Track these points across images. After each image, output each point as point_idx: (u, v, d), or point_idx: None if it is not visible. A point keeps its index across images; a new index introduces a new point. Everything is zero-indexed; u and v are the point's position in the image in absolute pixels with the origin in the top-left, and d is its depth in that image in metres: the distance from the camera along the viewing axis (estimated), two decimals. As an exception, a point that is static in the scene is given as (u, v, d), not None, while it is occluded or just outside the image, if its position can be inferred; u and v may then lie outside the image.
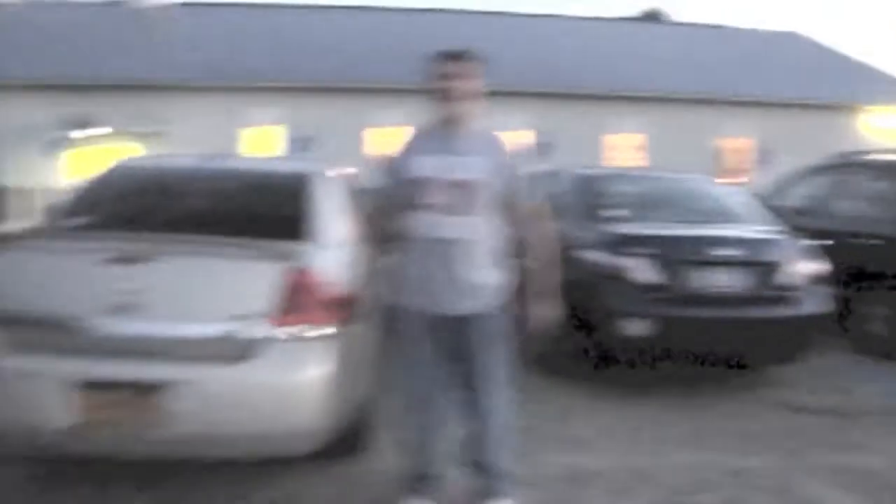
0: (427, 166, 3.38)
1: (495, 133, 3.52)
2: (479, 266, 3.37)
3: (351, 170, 5.85)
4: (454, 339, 3.46)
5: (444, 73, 3.36)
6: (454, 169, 3.34)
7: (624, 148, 20.75)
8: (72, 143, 18.92)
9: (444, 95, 3.37)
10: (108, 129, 19.25)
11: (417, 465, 3.63)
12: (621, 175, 8.26)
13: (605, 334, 5.46)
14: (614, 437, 4.74)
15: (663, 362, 5.68)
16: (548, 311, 3.49)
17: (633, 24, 31.28)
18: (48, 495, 3.72)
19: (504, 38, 22.14)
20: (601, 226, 5.89)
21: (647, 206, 6.80)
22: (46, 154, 15.82)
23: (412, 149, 3.49)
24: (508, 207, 3.45)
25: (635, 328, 5.37)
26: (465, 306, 3.40)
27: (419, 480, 3.63)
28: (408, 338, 3.53)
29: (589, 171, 7.19)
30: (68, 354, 3.35)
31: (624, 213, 6.30)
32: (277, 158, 14.02)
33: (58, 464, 3.96)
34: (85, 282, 3.41)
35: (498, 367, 3.47)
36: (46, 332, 3.38)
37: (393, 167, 3.54)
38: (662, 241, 5.63)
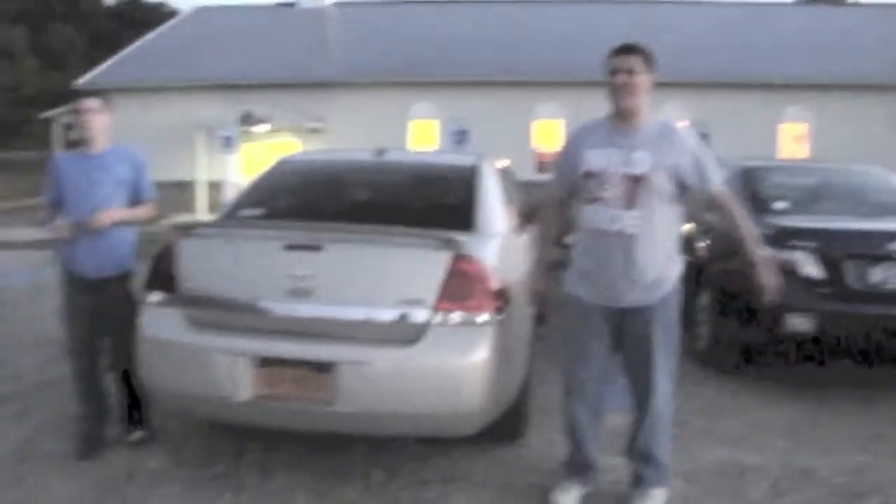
0: (600, 160, 3.42)
1: (675, 125, 3.51)
2: (649, 259, 3.38)
3: (506, 162, 5.95)
4: (621, 330, 3.51)
5: (615, 68, 3.39)
6: (627, 163, 3.36)
7: (786, 138, 19.88)
8: (245, 139, 20.00)
9: (615, 89, 3.40)
10: (275, 126, 20.26)
11: (572, 451, 3.71)
12: (788, 167, 7.97)
13: (768, 329, 5.31)
14: (771, 434, 4.61)
15: (827, 361, 5.45)
16: (773, 279, 3.50)
17: (802, 7, 29.84)
18: (216, 461, 4.04)
19: (664, 27, 21.67)
20: (767, 218, 5.70)
21: (816, 198, 6.57)
22: (224, 150, 16.81)
23: (585, 142, 3.52)
24: (696, 195, 3.45)
25: (800, 324, 5.19)
26: (633, 299, 3.43)
27: (573, 465, 3.71)
28: (573, 327, 3.61)
29: (753, 163, 6.98)
30: (249, 333, 3.63)
31: (791, 205, 6.10)
32: (438, 152, 14.32)
33: (232, 432, 4.30)
34: (264, 267, 3.68)
35: (663, 358, 3.48)
36: (229, 312, 3.68)
37: (564, 160, 3.60)
38: (831, 235, 5.40)
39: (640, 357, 3.51)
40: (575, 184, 3.51)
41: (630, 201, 3.36)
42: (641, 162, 3.35)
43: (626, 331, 3.50)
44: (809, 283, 5.23)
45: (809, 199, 6.48)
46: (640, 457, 3.60)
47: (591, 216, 3.45)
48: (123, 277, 4.22)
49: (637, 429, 3.61)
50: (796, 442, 4.49)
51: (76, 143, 4.29)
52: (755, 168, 6.73)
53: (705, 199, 3.47)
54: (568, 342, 3.65)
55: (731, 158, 7.17)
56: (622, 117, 3.44)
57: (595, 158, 3.43)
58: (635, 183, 3.35)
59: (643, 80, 3.38)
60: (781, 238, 5.34)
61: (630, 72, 3.37)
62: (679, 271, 3.52)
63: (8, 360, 5.92)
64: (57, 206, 4.18)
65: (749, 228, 3.51)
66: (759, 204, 6.04)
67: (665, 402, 3.55)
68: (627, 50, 3.42)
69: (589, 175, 3.44)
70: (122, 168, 4.19)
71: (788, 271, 5.24)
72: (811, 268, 5.24)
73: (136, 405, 4.29)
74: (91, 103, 4.17)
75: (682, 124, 3.57)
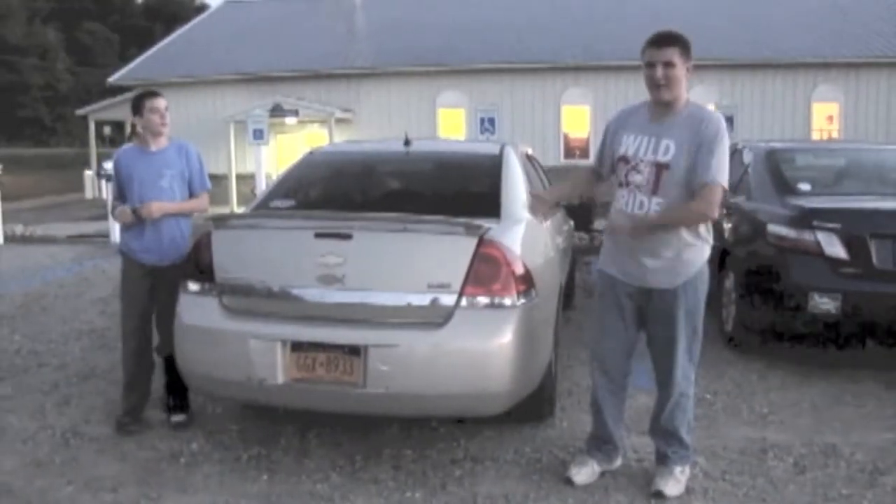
0: (632, 146, 3.51)
1: (705, 110, 3.50)
2: (671, 245, 3.45)
3: (528, 149, 6.04)
4: (644, 309, 3.61)
5: (651, 60, 3.41)
6: (655, 150, 3.43)
7: (819, 118, 19.67)
8: (276, 131, 20.22)
9: (652, 83, 3.42)
10: (304, 117, 20.47)
11: (593, 426, 3.83)
12: (813, 148, 7.97)
13: (793, 310, 5.35)
14: (795, 413, 4.67)
15: (853, 341, 5.47)
16: (623, 227, 3.52)
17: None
18: (253, 443, 4.19)
19: (688, 8, 21.53)
20: (791, 200, 5.74)
21: (842, 179, 6.58)
22: (255, 142, 17.05)
23: (624, 126, 3.60)
24: (693, 187, 3.41)
25: (825, 304, 5.22)
26: (655, 281, 3.52)
27: (592, 440, 3.84)
28: (601, 303, 3.73)
29: (777, 145, 7.00)
30: (282, 319, 3.77)
31: (816, 186, 6.12)
32: (464, 140, 14.39)
33: (267, 415, 4.46)
34: (295, 255, 3.81)
35: (684, 340, 3.54)
36: (263, 299, 3.82)
37: (605, 142, 3.71)
38: (855, 215, 5.41)
39: (662, 337, 3.59)
40: (613, 165, 3.63)
41: (654, 188, 3.43)
42: (666, 150, 3.42)
43: (649, 311, 3.60)
44: (834, 263, 5.25)
45: (835, 180, 6.51)
46: (663, 435, 3.69)
47: (620, 199, 3.56)
48: (179, 265, 4.40)
49: (660, 408, 3.70)
50: (820, 420, 4.55)
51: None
52: (780, 150, 6.75)
53: (696, 188, 3.38)
54: (595, 315, 3.78)
55: (754, 141, 7.20)
56: (659, 106, 3.49)
57: (629, 143, 3.53)
58: (660, 170, 3.42)
59: (680, 72, 3.39)
60: (805, 219, 5.38)
61: (667, 64, 3.38)
62: (705, 256, 3.56)
63: (54, 350, 6.14)
64: (122, 200, 4.44)
65: (673, 220, 3.42)
66: (783, 185, 6.07)
67: (686, 382, 3.62)
68: (664, 41, 3.41)
69: (622, 159, 3.55)
70: (181, 162, 4.44)
71: (813, 252, 5.30)
72: (836, 248, 5.25)
73: (178, 389, 4.45)
74: (163, 102, 4.40)
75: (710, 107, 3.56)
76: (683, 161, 3.39)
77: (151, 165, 4.39)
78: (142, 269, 4.42)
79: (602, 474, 3.77)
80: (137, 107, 4.42)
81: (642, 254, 3.50)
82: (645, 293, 3.57)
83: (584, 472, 3.73)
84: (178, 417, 4.47)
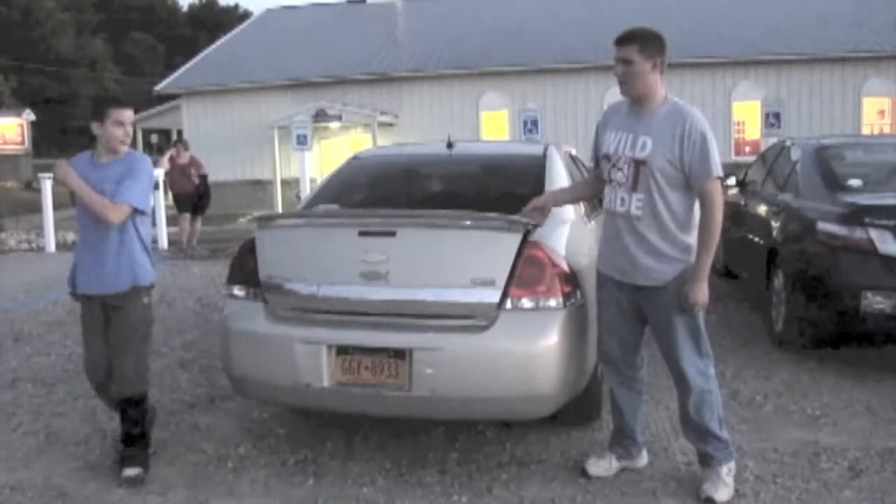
0: (613, 143, 3.53)
1: (686, 108, 3.45)
2: (656, 241, 3.44)
3: (572, 149, 5.99)
4: (641, 306, 3.60)
5: (614, 58, 3.46)
6: (634, 147, 3.45)
7: (870, 113, 19.27)
8: (320, 136, 20.39)
9: (617, 79, 3.48)
10: (347, 122, 20.62)
11: (613, 422, 3.86)
12: (863, 143, 7.79)
13: (845, 310, 5.23)
14: (849, 414, 4.56)
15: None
16: (696, 295, 3.40)
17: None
18: (299, 447, 4.21)
19: (732, 4, 21.25)
20: (841, 197, 5.61)
21: (894, 174, 6.42)
22: (299, 148, 17.20)
23: (607, 124, 3.64)
24: (690, 185, 3.41)
25: (879, 303, 5.09)
26: (646, 279, 3.50)
27: (612, 436, 3.87)
28: (599, 302, 3.74)
29: (825, 141, 6.86)
30: (328, 322, 3.79)
31: (867, 182, 5.97)
32: (508, 141, 14.35)
33: (313, 419, 4.47)
34: (339, 255, 3.82)
35: (686, 335, 3.50)
36: (308, 301, 3.84)
37: (595, 140, 3.74)
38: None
39: (664, 335, 3.57)
40: (600, 164, 3.67)
41: (634, 184, 3.45)
42: (644, 147, 3.42)
43: (646, 309, 3.59)
44: (888, 260, 5.12)
45: (887, 176, 6.36)
46: (696, 434, 3.62)
47: (606, 197, 3.60)
48: (133, 293, 3.93)
49: (682, 407, 3.64)
50: (875, 423, 4.43)
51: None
52: (829, 146, 6.61)
53: (698, 190, 3.40)
54: (596, 314, 3.79)
55: (801, 137, 7.07)
56: (634, 102, 3.52)
57: (611, 141, 3.55)
58: (637, 167, 3.43)
59: (640, 68, 3.40)
60: (857, 216, 5.26)
61: (625, 62, 3.42)
62: (688, 253, 3.47)
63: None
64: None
65: (712, 243, 3.40)
66: (833, 182, 5.94)
67: (703, 378, 3.54)
68: (622, 39, 3.44)
69: (605, 157, 3.58)
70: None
71: (866, 250, 5.18)
72: (889, 245, 5.13)
73: (134, 439, 3.97)
74: (130, 114, 3.86)
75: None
76: (661, 157, 3.39)
77: (96, 179, 3.80)
78: (90, 300, 3.95)
79: (622, 470, 3.77)
80: (99, 113, 3.82)
81: (635, 252, 3.49)
82: (638, 290, 3.56)
83: (601, 465, 3.76)
84: (130, 471, 3.85)
